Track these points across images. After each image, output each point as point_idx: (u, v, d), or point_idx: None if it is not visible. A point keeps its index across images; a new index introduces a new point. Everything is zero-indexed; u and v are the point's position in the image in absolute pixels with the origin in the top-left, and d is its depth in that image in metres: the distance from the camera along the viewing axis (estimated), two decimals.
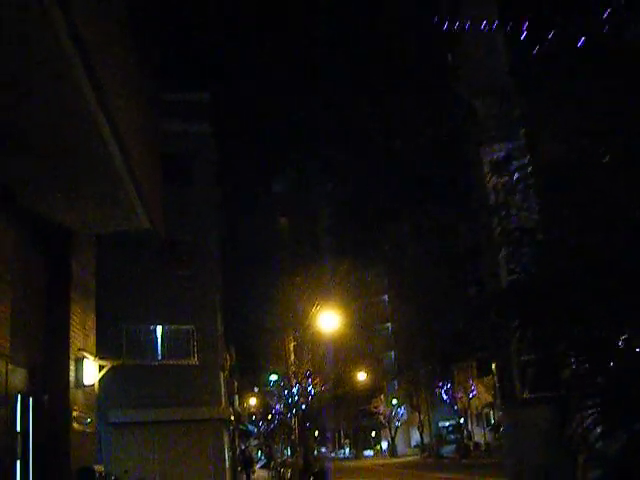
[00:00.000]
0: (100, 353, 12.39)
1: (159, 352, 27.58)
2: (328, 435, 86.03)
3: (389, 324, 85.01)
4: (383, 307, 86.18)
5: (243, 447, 51.92)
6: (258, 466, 61.50)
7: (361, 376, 68.80)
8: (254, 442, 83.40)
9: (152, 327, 27.66)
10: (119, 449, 25.65)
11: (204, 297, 28.60)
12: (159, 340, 27.68)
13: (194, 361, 27.64)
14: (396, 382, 79.61)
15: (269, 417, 76.35)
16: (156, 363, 27.31)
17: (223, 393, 29.79)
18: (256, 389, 73.74)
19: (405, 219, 75.57)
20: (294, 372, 36.05)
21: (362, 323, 61.94)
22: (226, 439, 30.17)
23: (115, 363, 12.13)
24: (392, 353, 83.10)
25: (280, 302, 38.16)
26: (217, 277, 30.40)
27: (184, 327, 28.00)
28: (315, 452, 49.97)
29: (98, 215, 8.07)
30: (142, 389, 26.49)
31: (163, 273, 28.10)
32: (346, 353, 42.18)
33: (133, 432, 26.02)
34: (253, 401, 74.21)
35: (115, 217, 7.51)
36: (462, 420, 63.87)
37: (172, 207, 29.54)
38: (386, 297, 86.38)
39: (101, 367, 11.79)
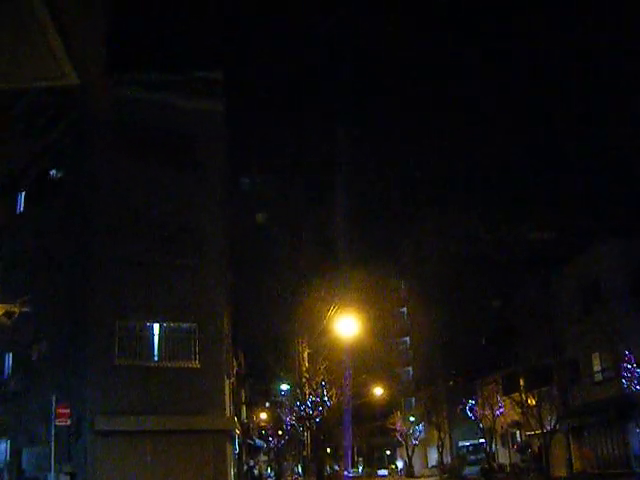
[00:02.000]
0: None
1: (156, 352, 24.28)
2: (341, 452, 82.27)
3: (407, 338, 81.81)
4: (401, 320, 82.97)
5: (252, 463, 48.59)
6: None
7: (378, 391, 65.61)
8: (264, 458, 79.94)
9: (149, 324, 24.41)
10: (106, 461, 22.34)
11: (209, 291, 25.29)
12: (156, 339, 24.39)
13: (195, 364, 24.33)
14: (414, 398, 76.27)
15: (280, 433, 72.97)
16: (152, 364, 24.02)
17: (228, 402, 26.43)
18: (267, 404, 70.47)
19: (426, 223, 72.73)
20: (308, 381, 32.65)
21: (380, 335, 58.62)
22: (230, 454, 26.81)
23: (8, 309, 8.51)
24: (410, 368, 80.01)
25: (295, 306, 34.87)
26: (224, 270, 27.11)
27: (185, 325, 24.75)
28: (329, 469, 46.49)
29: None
30: (135, 393, 23.18)
31: (163, 263, 24.85)
32: (364, 363, 38.61)
33: (123, 442, 22.62)
34: (264, 416, 70.88)
35: (24, 58, 4.49)
36: (482, 440, 60.33)
37: (176, 190, 26.64)
38: (405, 309, 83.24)
39: None
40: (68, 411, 21.83)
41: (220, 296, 25.91)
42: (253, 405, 61.68)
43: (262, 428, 72.67)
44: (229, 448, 26.18)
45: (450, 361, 60.86)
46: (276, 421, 66.18)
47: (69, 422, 21.87)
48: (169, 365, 24.06)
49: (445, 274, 67.32)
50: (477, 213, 68.69)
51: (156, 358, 24.16)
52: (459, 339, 63.38)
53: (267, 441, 74.49)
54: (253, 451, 60.61)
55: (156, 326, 24.39)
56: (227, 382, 26.62)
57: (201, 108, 27.41)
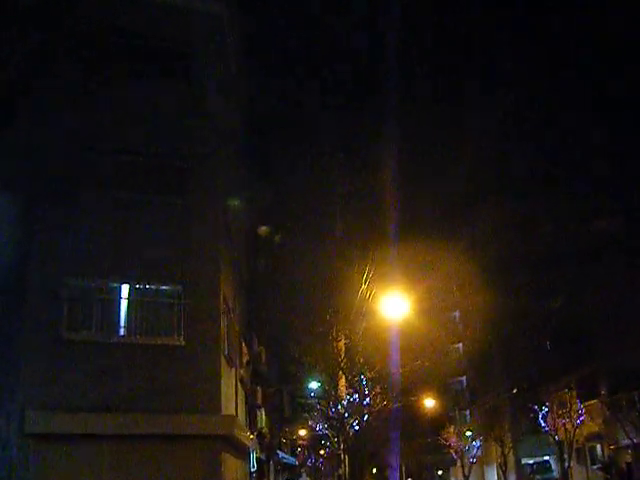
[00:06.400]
0: None
1: (123, 323, 17.15)
2: (386, 473, 74.38)
3: (460, 344, 74.08)
4: (453, 325, 75.48)
5: None
6: None
7: (428, 403, 58.27)
8: None
9: (115, 284, 17.36)
10: (44, 477, 15.27)
11: (201, 242, 18.21)
12: (124, 305, 17.30)
13: (179, 340, 17.21)
14: (468, 411, 68.75)
15: (322, 452, 65.74)
16: (117, 340, 16.92)
17: (228, 395, 19.22)
18: (310, 423, 63.25)
19: (479, 216, 65.97)
20: (343, 372, 25.29)
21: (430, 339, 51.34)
22: (233, 470, 19.53)
23: None
24: (463, 378, 72.55)
25: (331, 286, 27.57)
26: (225, 215, 20.04)
27: (166, 287, 17.68)
28: None
29: None
30: (90, 381, 16.10)
31: (138, 202, 17.93)
32: (414, 354, 30.65)
33: (70, 451, 15.53)
34: (303, 432, 63.53)
35: None
36: (547, 457, 53.02)
37: (161, 111, 19.61)
38: (457, 314, 75.65)
39: None
40: None
41: (215, 246, 18.74)
42: (293, 421, 54.65)
43: (299, 445, 65.40)
44: (231, 462, 18.93)
45: (510, 368, 53.89)
46: (314, 437, 58.92)
47: None
48: (141, 342, 16.92)
49: (501, 269, 60.86)
50: (537, 201, 62.48)
51: (122, 332, 17.05)
52: (518, 343, 57.20)
53: (305, 460, 67.33)
54: (289, 471, 53.60)
55: (125, 287, 17.35)
56: (227, 369, 19.45)
57: (199, 10, 20.64)
